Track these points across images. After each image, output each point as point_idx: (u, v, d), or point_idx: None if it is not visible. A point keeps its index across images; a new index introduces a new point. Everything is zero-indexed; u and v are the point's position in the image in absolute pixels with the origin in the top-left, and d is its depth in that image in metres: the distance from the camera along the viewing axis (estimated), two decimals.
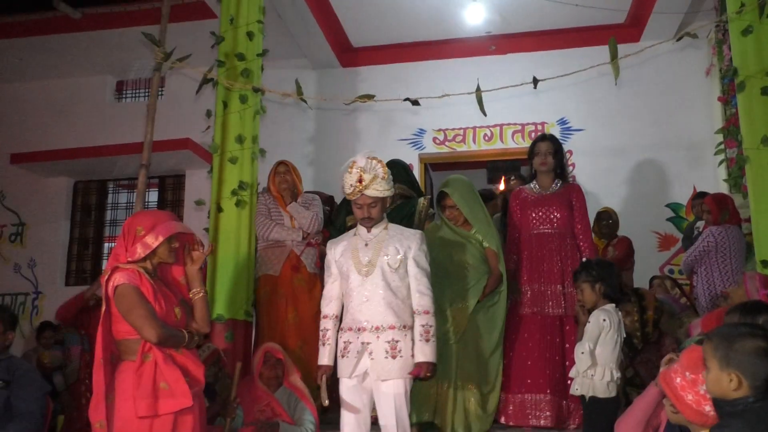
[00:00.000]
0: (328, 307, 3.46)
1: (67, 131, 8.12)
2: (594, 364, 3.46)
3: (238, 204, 4.51)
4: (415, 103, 3.98)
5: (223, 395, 3.74)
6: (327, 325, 3.43)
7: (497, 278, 4.08)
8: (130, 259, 2.90)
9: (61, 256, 8.19)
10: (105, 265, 7.46)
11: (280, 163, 4.85)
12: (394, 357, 3.25)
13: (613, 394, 3.47)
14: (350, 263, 3.37)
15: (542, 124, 7.19)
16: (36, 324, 7.13)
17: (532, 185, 4.58)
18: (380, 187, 3.31)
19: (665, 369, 2.26)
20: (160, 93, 8.05)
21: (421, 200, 4.38)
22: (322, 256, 4.59)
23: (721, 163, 6.35)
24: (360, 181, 3.27)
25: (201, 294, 3.10)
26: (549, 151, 4.44)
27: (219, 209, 4.53)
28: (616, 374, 3.50)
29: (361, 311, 3.30)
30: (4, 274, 8.12)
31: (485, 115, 3.97)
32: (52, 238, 8.15)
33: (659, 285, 5.40)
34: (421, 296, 3.34)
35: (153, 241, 2.91)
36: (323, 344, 3.42)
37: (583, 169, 7.04)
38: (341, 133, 7.55)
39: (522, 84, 3.89)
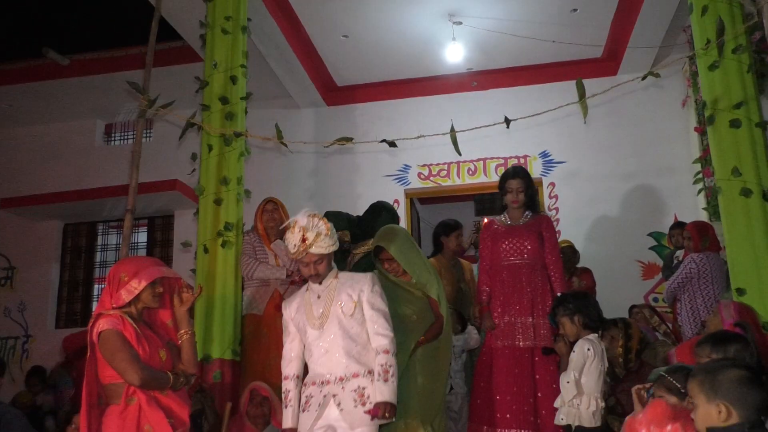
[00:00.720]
0: (288, 367, 3.38)
1: (56, 175, 8.22)
2: (579, 394, 3.52)
3: (224, 245, 4.58)
4: (392, 144, 4.07)
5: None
6: (288, 386, 3.35)
7: (440, 324, 3.93)
8: (115, 306, 2.97)
9: (51, 298, 8.21)
10: (95, 307, 7.53)
11: (269, 201, 4.91)
12: (363, 404, 3.18)
13: (599, 423, 3.52)
14: (304, 318, 3.33)
15: (524, 157, 7.31)
16: (27, 368, 7.13)
17: (502, 217, 4.63)
18: (324, 244, 3.28)
19: (630, 418, 2.33)
20: (148, 135, 8.23)
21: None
22: None
23: (699, 191, 6.49)
24: (303, 240, 3.25)
25: (188, 335, 3.17)
26: (520, 189, 4.51)
27: (205, 250, 4.60)
28: (601, 403, 3.56)
29: (322, 364, 3.26)
30: None
31: (460, 154, 4.05)
32: (42, 281, 8.18)
33: (638, 313, 5.46)
34: (379, 337, 3.29)
35: (136, 286, 2.98)
36: (286, 406, 3.33)
37: (566, 200, 7.16)
38: (328, 171, 7.66)
39: (495, 124, 3.98)
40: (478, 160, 7.36)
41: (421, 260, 3.98)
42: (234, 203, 4.72)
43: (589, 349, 3.62)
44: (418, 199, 8.23)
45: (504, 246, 4.49)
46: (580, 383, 3.55)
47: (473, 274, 5.40)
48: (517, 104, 6.73)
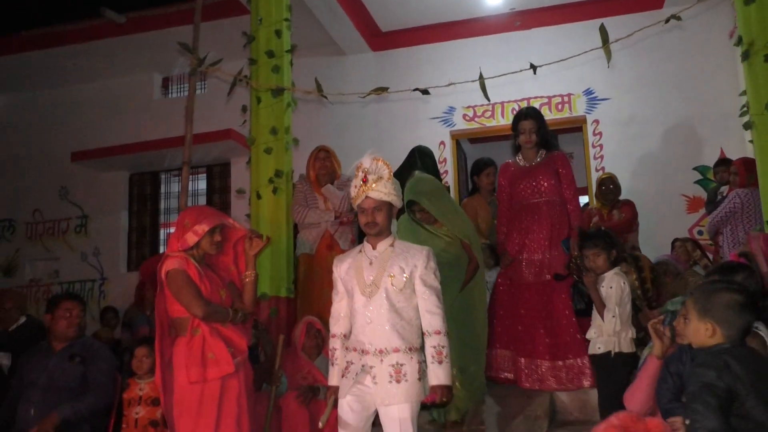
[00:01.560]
0: (336, 326, 3.29)
1: (120, 128, 8.67)
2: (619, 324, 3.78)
3: (275, 191, 4.89)
4: (425, 92, 4.27)
5: (267, 364, 4.11)
6: (335, 344, 3.28)
7: (475, 266, 4.13)
8: (180, 248, 3.34)
9: (122, 243, 8.83)
10: (162, 250, 8.07)
11: (321, 149, 5.20)
12: (398, 381, 3.06)
13: (634, 349, 3.78)
14: (354, 282, 3.20)
15: (568, 95, 7.35)
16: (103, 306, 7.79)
17: (517, 159, 4.77)
18: (385, 189, 3.17)
19: (602, 427, 2.54)
20: (202, 88, 8.56)
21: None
22: (358, 234, 4.98)
23: (746, 125, 6.43)
24: (364, 181, 3.17)
25: (251, 277, 3.57)
26: (532, 130, 4.61)
27: (258, 197, 4.93)
28: (633, 331, 3.82)
29: (364, 333, 3.14)
30: (73, 263, 8.81)
31: (488, 100, 4.22)
32: (113, 228, 8.79)
33: (680, 247, 5.58)
34: (431, 316, 3.13)
35: (198, 231, 3.34)
36: (332, 364, 3.27)
37: (610, 137, 7.20)
38: (375, 117, 7.83)
39: (521, 70, 4.13)
40: (522, 99, 7.42)
41: (452, 206, 4.14)
42: (283, 152, 5.00)
43: (624, 283, 3.89)
44: (469, 140, 8.36)
45: (522, 187, 4.64)
46: (617, 314, 3.81)
47: None
48: (560, 42, 6.77)
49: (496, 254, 5.16)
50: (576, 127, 7.60)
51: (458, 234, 4.06)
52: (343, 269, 3.28)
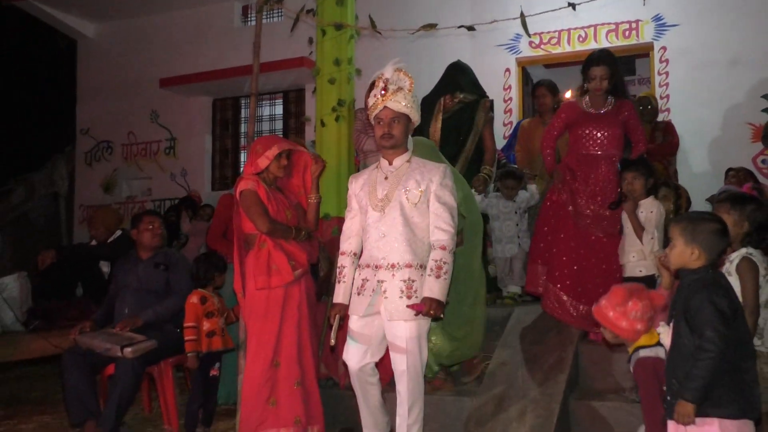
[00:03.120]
0: (347, 243, 3.30)
1: (203, 55, 9.22)
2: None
3: (337, 119, 5.25)
4: (471, 28, 4.47)
5: (325, 278, 4.47)
6: (344, 262, 3.28)
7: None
8: (253, 171, 3.81)
9: (206, 164, 9.54)
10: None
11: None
12: (408, 297, 3.04)
13: None
14: (367, 197, 3.20)
15: (636, 21, 7.28)
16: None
17: (584, 102, 4.47)
18: (404, 101, 3.10)
19: (597, 306, 2.85)
20: (279, 15, 8.91)
21: (483, 101, 4.74)
22: None
23: None
24: (384, 90, 3.11)
25: (315, 200, 4.02)
26: (604, 77, 4.33)
27: (322, 124, 5.32)
28: None
29: (378, 248, 3.12)
30: (163, 182, 9.61)
31: (529, 35, 4.40)
32: (198, 150, 9.51)
33: (733, 177, 5.64)
34: (440, 232, 3.10)
35: (267, 156, 3.80)
36: (339, 282, 3.28)
37: (677, 64, 7.15)
38: (441, 46, 7.91)
39: (560, 8, 4.26)
40: (589, 26, 7.42)
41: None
42: (345, 82, 5.32)
43: (662, 208, 4.19)
44: (544, 66, 8.38)
45: (583, 134, 4.40)
46: (655, 237, 4.09)
47: None
48: None
49: (519, 177, 5.23)
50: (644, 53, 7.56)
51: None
52: (358, 185, 3.28)
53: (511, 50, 7.82)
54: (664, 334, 2.64)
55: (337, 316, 3.23)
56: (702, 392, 2.32)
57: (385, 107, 3.11)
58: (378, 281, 3.10)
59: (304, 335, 3.76)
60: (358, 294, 3.18)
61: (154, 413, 4.62)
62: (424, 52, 7.45)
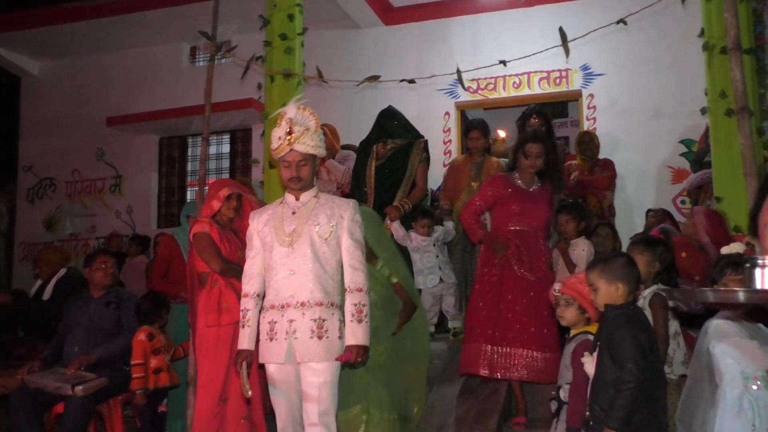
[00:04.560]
0: (249, 284, 3.12)
1: (151, 94, 9.32)
2: None
3: None
4: (411, 81, 4.81)
5: None
6: (248, 305, 3.09)
7: (410, 310, 3.86)
8: (209, 214, 4.01)
9: (152, 202, 9.59)
10: None
11: (321, 126, 5.79)
12: (320, 337, 2.92)
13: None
14: (274, 234, 3.04)
15: (566, 70, 7.79)
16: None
17: (515, 177, 4.36)
18: (311, 142, 3.00)
19: (568, 279, 3.14)
20: (227, 57, 9.11)
21: (417, 142, 4.97)
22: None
23: (702, 110, 6.82)
24: (289, 133, 2.96)
25: None
26: (539, 155, 4.25)
27: (270, 166, 5.55)
28: None
29: (285, 286, 2.97)
30: (108, 219, 9.59)
31: (464, 88, 4.81)
32: (144, 188, 9.56)
33: (652, 217, 6.05)
34: (354, 272, 3.02)
35: (218, 198, 4.00)
36: (243, 326, 3.09)
37: (604, 111, 7.67)
38: (383, 90, 8.25)
39: (493, 65, 4.71)
40: (523, 74, 7.89)
41: (389, 242, 3.96)
42: None
43: (591, 247, 4.67)
44: (484, 108, 8.78)
45: (512, 210, 4.27)
46: None
47: (500, 168, 5.58)
48: (560, 20, 7.08)
49: (432, 215, 5.32)
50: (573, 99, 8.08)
51: (392, 275, 3.82)
52: (261, 221, 3.13)
53: (450, 95, 8.22)
54: (588, 363, 2.86)
55: (244, 364, 3.05)
56: (625, 420, 2.51)
57: (291, 150, 3.00)
58: (288, 321, 2.96)
59: (252, 372, 3.92)
60: (271, 340, 3.00)
61: None
62: (369, 100, 7.77)
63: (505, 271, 4.21)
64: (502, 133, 7.76)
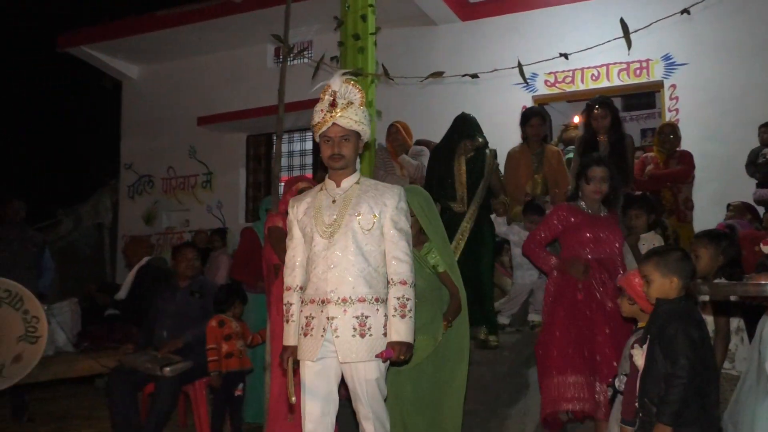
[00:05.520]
0: (291, 276, 2.91)
1: (238, 94, 9.77)
2: None
3: (360, 159, 5.72)
4: (474, 76, 4.88)
5: None
6: (291, 298, 2.90)
7: (458, 303, 3.54)
8: (284, 209, 4.24)
9: (241, 197, 10.07)
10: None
11: (392, 125, 5.97)
12: (362, 336, 2.72)
13: None
14: (312, 223, 2.83)
15: (647, 61, 7.61)
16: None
17: (581, 204, 4.04)
18: (355, 117, 2.79)
19: (623, 277, 3.18)
20: (310, 55, 9.46)
21: (490, 151, 4.90)
22: None
23: None
24: (333, 105, 2.78)
25: None
26: (604, 179, 3.95)
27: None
28: None
29: (326, 280, 2.76)
30: (200, 214, 10.16)
31: (526, 83, 4.77)
32: (233, 184, 10.05)
33: (732, 210, 5.87)
34: (398, 263, 2.79)
35: (293, 191, 4.23)
36: (287, 321, 2.90)
37: (686, 101, 7.45)
38: (459, 84, 8.34)
39: (559, 57, 4.66)
40: (602, 65, 7.77)
41: (442, 227, 3.68)
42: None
43: (661, 241, 4.59)
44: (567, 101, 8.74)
45: (585, 237, 3.93)
46: None
47: (561, 161, 5.58)
48: (641, 7, 7.03)
49: (542, 212, 5.08)
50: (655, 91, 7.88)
51: (439, 264, 3.55)
52: (300, 210, 2.92)
53: (527, 89, 8.19)
54: (637, 355, 2.90)
55: (290, 360, 2.86)
56: (676, 415, 2.55)
57: (333, 124, 2.79)
58: (327, 318, 2.75)
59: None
60: (305, 335, 2.81)
61: (190, 428, 5.04)
62: (446, 96, 7.87)
63: (591, 297, 3.82)
64: (576, 119, 7.64)
